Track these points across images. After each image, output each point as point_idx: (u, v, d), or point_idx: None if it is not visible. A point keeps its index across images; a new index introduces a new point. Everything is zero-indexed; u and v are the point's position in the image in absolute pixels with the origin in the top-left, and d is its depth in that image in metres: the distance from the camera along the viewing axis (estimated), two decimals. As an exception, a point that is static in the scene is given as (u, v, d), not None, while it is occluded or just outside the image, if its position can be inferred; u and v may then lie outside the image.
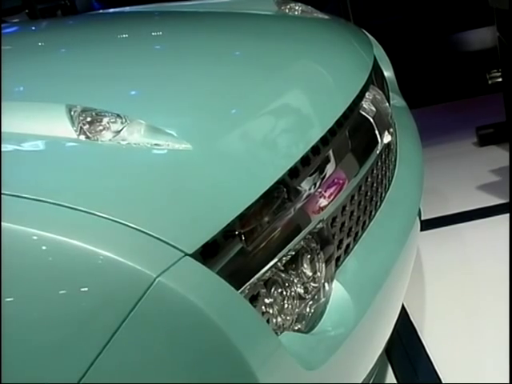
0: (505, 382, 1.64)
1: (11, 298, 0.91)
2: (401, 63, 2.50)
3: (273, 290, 1.08)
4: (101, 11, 2.52)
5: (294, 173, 1.17)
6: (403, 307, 1.92)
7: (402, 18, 4.03)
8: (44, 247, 0.91)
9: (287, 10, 2.05)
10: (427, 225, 2.19)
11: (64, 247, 0.90)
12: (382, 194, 1.51)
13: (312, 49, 1.63)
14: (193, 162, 1.07)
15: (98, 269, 0.89)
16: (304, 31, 1.83)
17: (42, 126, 1.10)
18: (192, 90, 1.29)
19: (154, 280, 0.88)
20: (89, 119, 1.11)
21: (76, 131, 1.09)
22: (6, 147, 1.07)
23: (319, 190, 1.22)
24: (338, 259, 1.24)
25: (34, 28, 2.27)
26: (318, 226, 1.18)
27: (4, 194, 0.95)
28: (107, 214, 0.93)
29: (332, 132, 1.32)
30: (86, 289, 0.90)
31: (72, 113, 1.12)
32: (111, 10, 2.46)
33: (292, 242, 1.12)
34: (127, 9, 2.35)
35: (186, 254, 0.93)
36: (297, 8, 2.06)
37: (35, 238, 0.91)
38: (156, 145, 1.08)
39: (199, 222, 0.99)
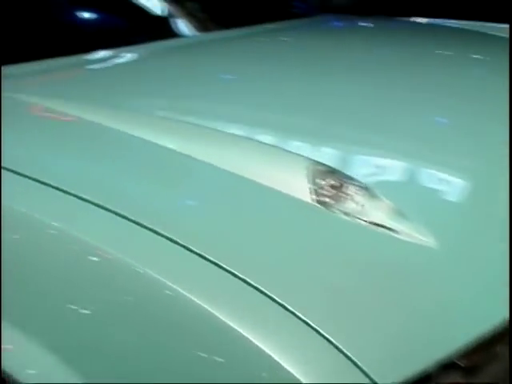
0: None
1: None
2: None
3: None
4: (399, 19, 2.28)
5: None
6: None
7: None
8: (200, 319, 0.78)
9: None
10: None
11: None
12: None
13: None
14: (431, 265, 0.89)
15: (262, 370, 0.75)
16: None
17: (273, 176, 0.97)
18: (457, 169, 1.09)
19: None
20: (332, 183, 0.97)
21: (311, 193, 0.95)
22: (221, 188, 0.98)
23: None
24: None
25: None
26: None
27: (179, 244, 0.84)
28: (305, 316, 0.76)
29: None
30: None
31: (313, 171, 0.98)
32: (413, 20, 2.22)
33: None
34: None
35: None
36: None
37: (185, 300, 0.78)
38: (395, 231, 0.91)
39: (410, 349, 0.79)
